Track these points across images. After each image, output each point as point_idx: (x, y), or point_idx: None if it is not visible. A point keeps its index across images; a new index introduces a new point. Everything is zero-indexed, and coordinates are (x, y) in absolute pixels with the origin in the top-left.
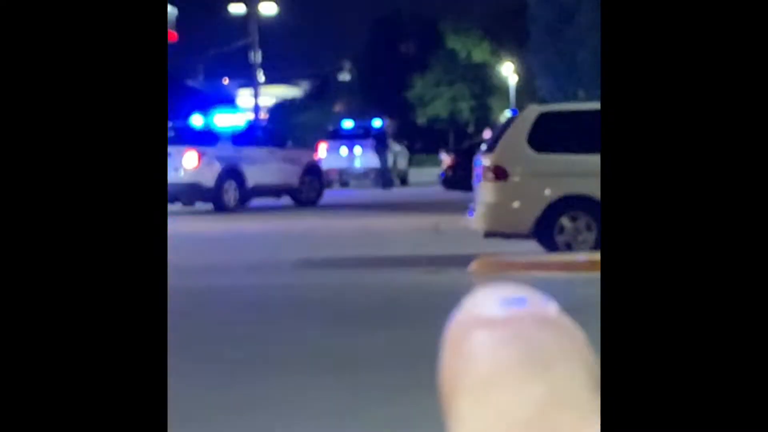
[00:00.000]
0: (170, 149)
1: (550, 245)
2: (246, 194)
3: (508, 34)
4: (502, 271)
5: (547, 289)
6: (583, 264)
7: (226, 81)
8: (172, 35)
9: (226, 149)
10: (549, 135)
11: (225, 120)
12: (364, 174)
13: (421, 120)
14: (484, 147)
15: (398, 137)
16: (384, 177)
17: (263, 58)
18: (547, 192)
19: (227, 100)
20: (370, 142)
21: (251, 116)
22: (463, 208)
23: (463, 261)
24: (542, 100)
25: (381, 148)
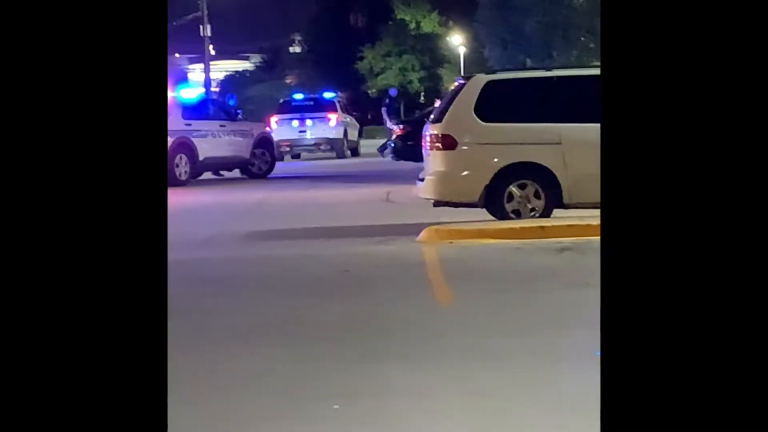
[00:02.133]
0: None
1: (500, 213)
2: (197, 168)
3: (457, 5)
4: (450, 239)
5: (497, 256)
6: (532, 231)
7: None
8: None
9: (177, 123)
10: (496, 103)
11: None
12: (315, 145)
13: (371, 91)
14: (432, 117)
15: (348, 109)
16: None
17: (213, 32)
18: (495, 160)
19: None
20: (383, 109)
21: (202, 90)
22: (413, 178)
23: (412, 230)
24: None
25: (392, 116)
